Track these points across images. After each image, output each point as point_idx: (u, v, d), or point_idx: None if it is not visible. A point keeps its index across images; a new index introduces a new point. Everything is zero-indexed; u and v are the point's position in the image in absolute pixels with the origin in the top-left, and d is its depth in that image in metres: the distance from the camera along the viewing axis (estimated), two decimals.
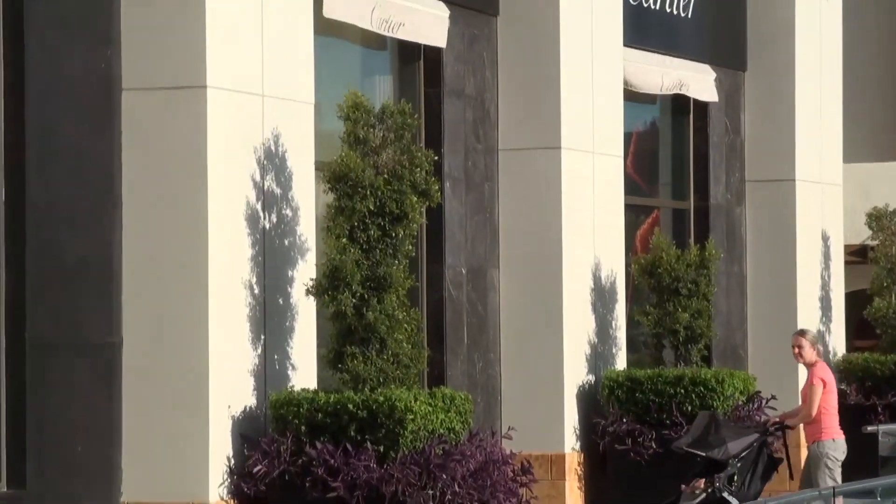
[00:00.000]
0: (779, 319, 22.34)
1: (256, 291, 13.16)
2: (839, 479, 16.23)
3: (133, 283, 12.77)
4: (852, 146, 25.31)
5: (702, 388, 18.14)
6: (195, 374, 12.76)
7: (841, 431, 16.57)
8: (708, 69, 21.17)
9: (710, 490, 14.76)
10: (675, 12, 20.68)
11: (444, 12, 16.73)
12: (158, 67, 12.84)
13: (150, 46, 12.88)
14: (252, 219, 13.15)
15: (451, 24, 16.89)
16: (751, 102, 22.88)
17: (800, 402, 16.93)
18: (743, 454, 15.01)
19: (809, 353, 16.36)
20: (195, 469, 12.66)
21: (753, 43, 22.40)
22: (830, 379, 16.48)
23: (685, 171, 22.54)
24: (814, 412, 16.25)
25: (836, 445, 16.22)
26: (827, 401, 16.27)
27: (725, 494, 14.79)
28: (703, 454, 14.89)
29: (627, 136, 20.44)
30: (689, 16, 21.20)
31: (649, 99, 21.33)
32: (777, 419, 16.53)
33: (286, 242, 13.46)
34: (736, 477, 14.99)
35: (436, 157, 14.90)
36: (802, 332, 16.86)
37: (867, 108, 30.21)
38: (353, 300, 12.94)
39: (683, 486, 15.01)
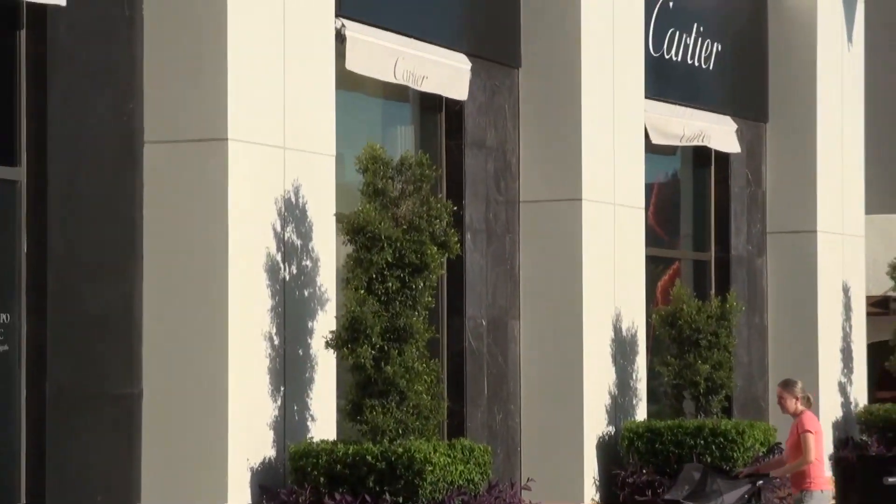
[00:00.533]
0: (800, 370, 21.83)
1: (276, 342, 13.11)
2: None
3: (154, 335, 12.76)
4: (875, 197, 25.32)
5: (722, 440, 18.00)
6: (215, 425, 12.74)
7: (829, 482, 16.34)
8: (729, 121, 21.14)
9: None
10: (696, 64, 20.71)
11: (465, 65, 16.76)
12: (180, 120, 12.85)
13: (172, 99, 12.92)
14: (272, 270, 13.11)
15: (473, 77, 16.90)
16: (772, 154, 22.80)
17: (784, 452, 16.52)
18: None
19: (791, 404, 16.06)
20: None
21: (775, 94, 22.33)
22: (818, 428, 16.17)
23: (706, 223, 22.42)
24: (812, 459, 15.92)
25: (825, 497, 15.96)
26: (818, 450, 16.01)
27: None
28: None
29: (649, 188, 20.35)
30: (711, 67, 21.19)
31: (671, 150, 21.27)
32: (756, 469, 16.36)
33: (306, 294, 13.43)
34: None
35: (456, 209, 14.84)
36: (784, 384, 16.50)
37: (890, 158, 30.02)
38: (373, 352, 12.90)
39: None
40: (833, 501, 18.32)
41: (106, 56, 12.64)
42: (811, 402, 16.66)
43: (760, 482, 15.58)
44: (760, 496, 15.58)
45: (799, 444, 15.84)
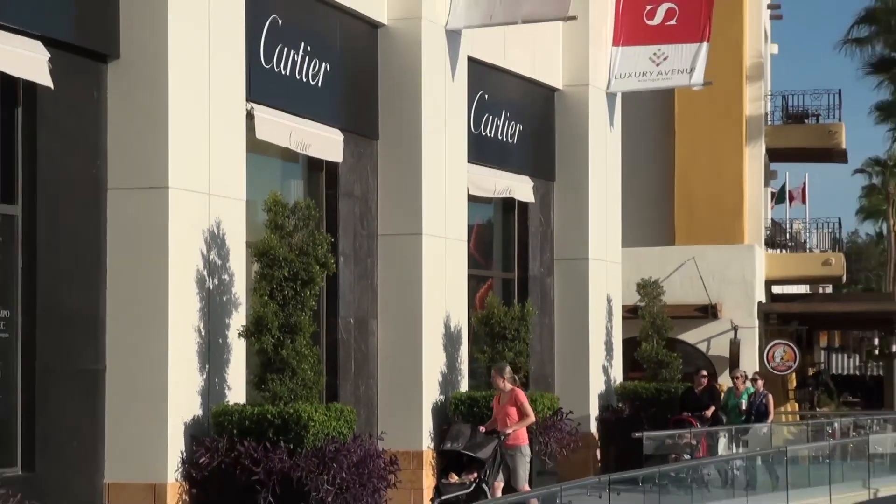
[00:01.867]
0: (576, 358, 21.97)
1: (203, 333, 13.01)
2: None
3: (114, 326, 12.61)
4: (627, 234, 24.99)
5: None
6: (158, 392, 12.58)
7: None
8: (528, 179, 20.64)
9: (479, 480, 14.43)
10: (504, 139, 20.32)
11: (339, 136, 16.51)
12: (134, 172, 12.65)
13: (128, 157, 12.72)
14: (200, 281, 13.00)
15: (345, 145, 16.61)
16: (558, 202, 22.28)
17: (499, 416, 15.94)
18: (491, 456, 14.76)
19: (501, 383, 15.86)
20: (157, 459, 12.46)
21: (560, 159, 21.58)
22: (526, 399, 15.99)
23: (511, 251, 21.93)
24: (534, 418, 15.78)
25: (528, 449, 15.73)
26: (528, 412, 15.81)
27: (486, 483, 14.55)
28: (474, 455, 14.60)
29: (471, 226, 19.99)
30: (515, 141, 20.67)
31: (487, 200, 20.78)
32: (493, 427, 15.72)
33: (224, 299, 13.34)
34: (487, 469, 14.84)
35: (333, 240, 14.58)
36: (497, 368, 16.38)
37: (639, 208, 30.00)
38: (273, 341, 12.90)
39: (444, 480, 14.68)
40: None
41: (80, 124, 12.55)
42: (517, 382, 16.48)
43: (501, 437, 15.24)
44: (501, 447, 15.25)
45: (512, 411, 15.54)
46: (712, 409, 20.79)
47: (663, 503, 15.35)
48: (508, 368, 16.18)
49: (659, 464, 17.79)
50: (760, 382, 22.37)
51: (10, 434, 11.83)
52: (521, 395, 15.83)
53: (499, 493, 14.74)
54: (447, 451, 14.75)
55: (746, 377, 22.80)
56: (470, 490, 14.36)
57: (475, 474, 14.43)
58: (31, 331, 11.95)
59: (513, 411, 15.58)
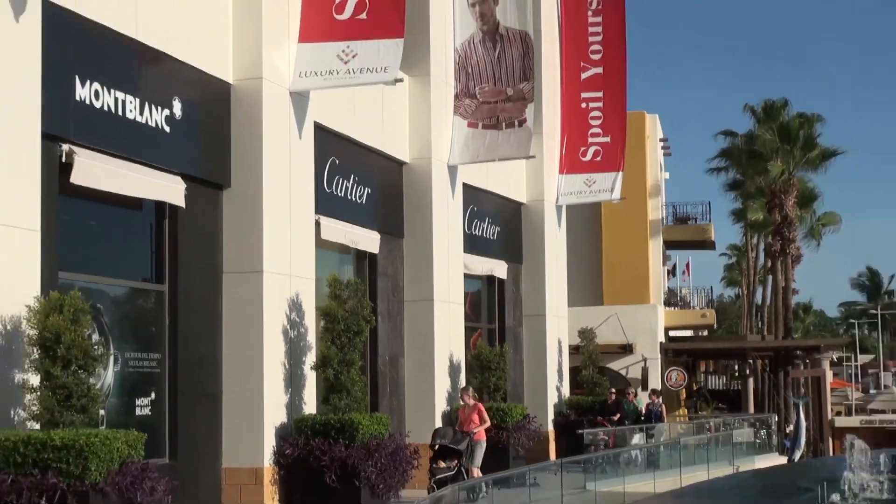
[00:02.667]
0: (538, 381, 20.85)
1: (287, 367, 12.74)
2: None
3: (227, 364, 12.35)
4: (572, 297, 24.10)
5: (499, 412, 17.04)
6: (257, 406, 12.30)
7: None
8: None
9: (459, 465, 13.86)
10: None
11: (377, 236, 15.67)
12: (240, 261, 12.35)
13: (236, 253, 12.37)
14: (284, 333, 12.75)
15: (381, 242, 15.67)
16: (524, 280, 21.20)
17: (466, 421, 14.90)
18: (465, 448, 14.13)
19: (466, 398, 15.12)
20: (257, 451, 12.21)
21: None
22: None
23: (493, 310, 20.63)
24: (489, 423, 15.07)
25: (484, 444, 14.81)
26: (486, 419, 15.07)
27: (465, 467, 13.99)
28: (456, 447, 14.00)
29: (467, 293, 18.67)
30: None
31: (477, 277, 19.40)
32: (465, 429, 14.68)
33: (301, 344, 13.08)
34: (465, 457, 14.19)
35: (373, 305, 13.79)
36: (463, 389, 15.57)
37: (580, 280, 29.25)
38: (333, 372, 12.71)
39: (434, 465, 13.88)
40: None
41: (204, 230, 12.24)
42: (478, 398, 15.75)
43: (470, 435, 14.44)
44: (470, 441, 14.41)
45: (477, 418, 14.85)
46: (618, 415, 20.38)
47: (598, 478, 15.07)
48: (472, 389, 15.61)
49: (593, 451, 17.47)
50: (660, 399, 22.02)
51: (161, 436, 11.73)
52: (482, 408, 15.21)
53: (476, 474, 14.26)
54: (436, 445, 14.17)
55: (636, 394, 22.63)
56: (454, 472, 13.81)
57: (456, 461, 13.93)
58: (175, 368, 11.84)
59: (475, 417, 14.96)
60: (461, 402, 15.49)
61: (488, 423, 15.22)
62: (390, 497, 12.57)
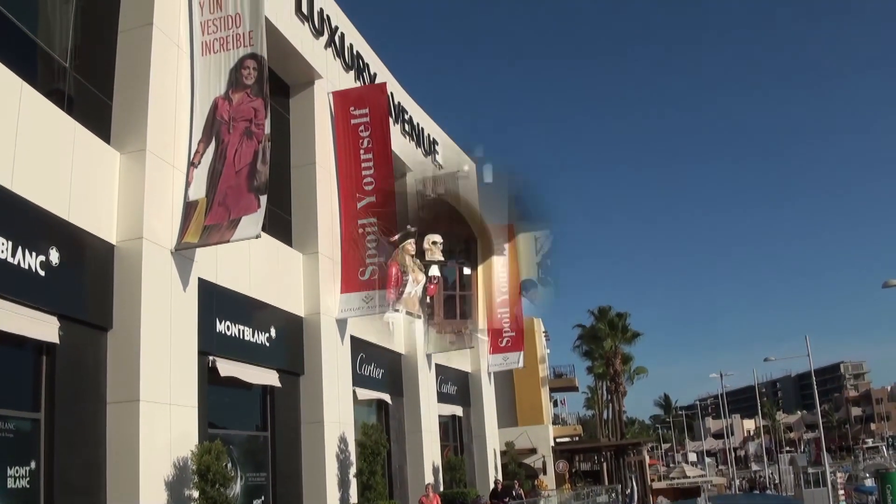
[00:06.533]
0: (483, 473, 24.98)
1: (339, 477, 14.36)
2: None
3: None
4: (501, 421, 29.33)
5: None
6: (321, 495, 13.58)
7: None
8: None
9: None
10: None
11: (388, 397, 18.74)
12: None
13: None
14: (337, 455, 14.68)
15: (391, 402, 18.72)
16: (472, 421, 24.60)
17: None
18: None
19: (429, 490, 16.93)
20: None
21: (472, 386, 22.17)
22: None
23: (458, 436, 25.04)
24: None
25: None
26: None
27: None
28: None
29: (441, 423, 22.10)
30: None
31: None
32: None
33: (346, 463, 14.98)
34: None
35: (387, 436, 16.25)
36: (429, 485, 17.48)
37: (504, 412, 35.92)
38: (365, 478, 15.75)
39: None
40: None
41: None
42: (438, 490, 18.31)
43: None
44: None
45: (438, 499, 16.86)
46: (507, 499, 22.82)
47: None
48: (432, 486, 17.93)
49: None
50: (545, 482, 27.12)
51: (264, 463, 13.80)
52: (438, 499, 17.19)
53: None
54: None
55: (521, 483, 26.08)
56: None
57: None
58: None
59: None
60: (426, 493, 17.95)
61: None
62: None
